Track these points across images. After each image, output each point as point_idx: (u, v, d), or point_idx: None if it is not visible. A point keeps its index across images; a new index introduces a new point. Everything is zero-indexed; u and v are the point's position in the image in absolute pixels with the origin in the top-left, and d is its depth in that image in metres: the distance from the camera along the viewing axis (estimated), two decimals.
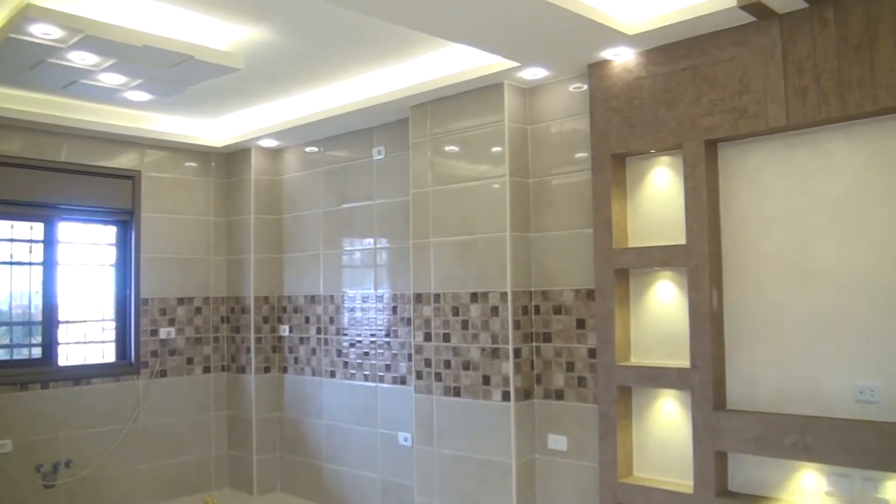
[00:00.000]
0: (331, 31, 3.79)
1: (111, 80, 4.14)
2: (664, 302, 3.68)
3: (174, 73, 4.01)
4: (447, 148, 4.39)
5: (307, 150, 5.73)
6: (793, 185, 3.31)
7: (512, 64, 3.83)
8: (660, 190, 3.71)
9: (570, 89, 4.04)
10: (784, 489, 3.30)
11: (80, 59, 3.77)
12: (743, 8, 3.12)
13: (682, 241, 3.50)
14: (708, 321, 3.38)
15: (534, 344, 4.15)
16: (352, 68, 4.44)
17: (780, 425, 3.19)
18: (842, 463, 3.05)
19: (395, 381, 5.00)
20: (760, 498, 3.33)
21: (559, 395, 4.05)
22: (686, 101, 3.47)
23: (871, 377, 3.08)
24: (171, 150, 5.85)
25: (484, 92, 4.18)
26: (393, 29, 3.60)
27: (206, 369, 6.03)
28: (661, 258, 3.56)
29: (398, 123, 4.92)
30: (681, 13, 3.26)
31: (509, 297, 4.04)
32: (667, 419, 3.67)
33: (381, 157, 5.13)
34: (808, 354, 3.24)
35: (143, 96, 4.56)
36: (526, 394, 4.11)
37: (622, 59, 3.68)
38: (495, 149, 4.14)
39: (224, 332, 6.10)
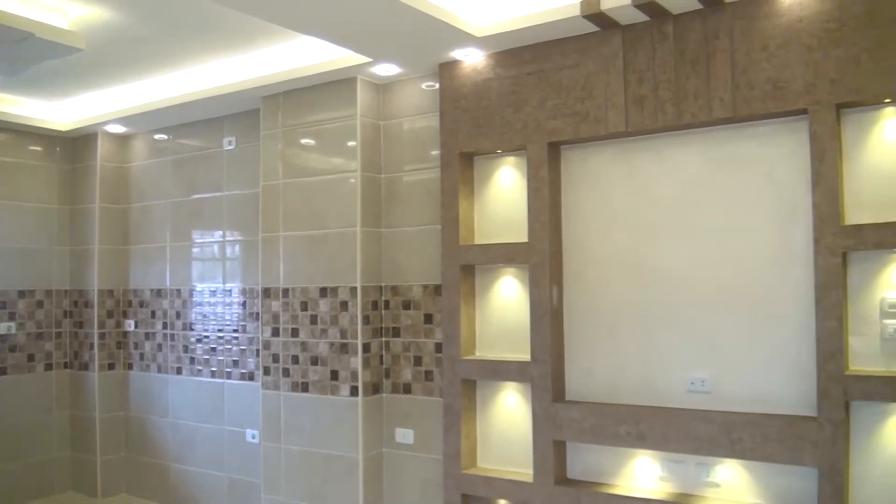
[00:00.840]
0: (178, 15, 3.55)
1: None
2: (508, 297, 3.69)
3: (14, 50, 3.63)
4: (299, 141, 4.22)
5: (156, 137, 5.37)
6: (630, 188, 3.39)
7: (364, 59, 3.71)
8: (505, 189, 3.72)
9: (423, 87, 3.97)
10: (620, 475, 3.39)
11: None
12: (586, 17, 3.15)
13: (524, 238, 3.52)
14: (548, 316, 3.41)
15: (383, 339, 4.07)
16: (201, 55, 4.18)
17: (616, 415, 3.26)
18: (674, 449, 3.15)
19: (242, 377, 4.77)
20: (598, 484, 3.40)
21: (407, 389, 3.98)
22: (531, 104, 3.48)
23: (702, 369, 3.20)
24: (14, 132, 5.31)
25: (337, 86, 4.04)
26: (244, 17, 3.40)
27: (48, 366, 5.52)
28: (504, 255, 3.56)
29: (250, 113, 4.68)
30: (527, 19, 3.26)
31: (359, 292, 3.94)
32: (509, 411, 3.68)
33: (231, 147, 4.88)
34: (643, 348, 3.33)
35: None
36: (374, 388, 4.01)
37: (472, 60, 3.66)
38: (347, 143, 4.01)
39: (67, 326, 5.62)
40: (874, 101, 2.86)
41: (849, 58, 2.84)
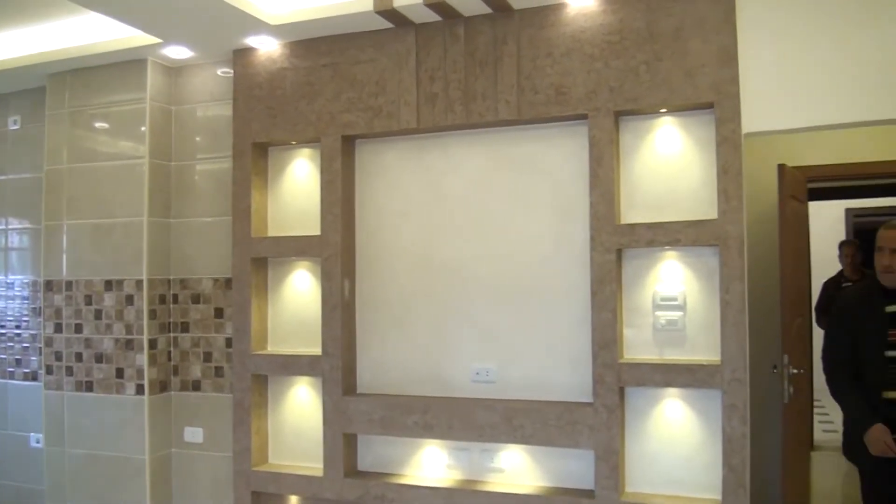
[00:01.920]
0: None
1: None
2: (301, 291, 3.57)
3: None
4: (86, 123, 3.86)
5: None
6: (422, 183, 3.36)
7: (154, 40, 3.44)
8: (300, 181, 3.59)
9: (218, 73, 3.74)
10: (409, 465, 3.36)
11: None
12: (379, 13, 3.09)
13: (317, 231, 3.42)
14: (339, 309, 3.33)
15: (171, 334, 3.81)
16: None
17: (404, 406, 3.23)
18: (460, 438, 3.17)
19: (26, 377, 4.29)
20: (387, 475, 3.36)
21: (196, 387, 3.75)
22: (326, 97, 3.39)
23: (487, 359, 3.24)
24: None
25: (127, 66, 3.73)
26: None
27: None
28: (297, 248, 3.44)
29: (37, 91, 4.20)
30: (322, 10, 3.15)
31: (145, 285, 3.66)
32: (301, 405, 3.57)
33: (16, 127, 4.37)
34: (432, 340, 3.32)
35: None
36: (162, 386, 3.75)
37: (266, 48, 3.49)
38: (136, 128, 3.71)
39: None
40: (650, 110, 3.00)
41: (628, 69, 2.96)
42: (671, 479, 2.99)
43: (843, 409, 3.14)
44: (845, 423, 3.31)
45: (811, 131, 3.15)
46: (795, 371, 3.69)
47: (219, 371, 3.70)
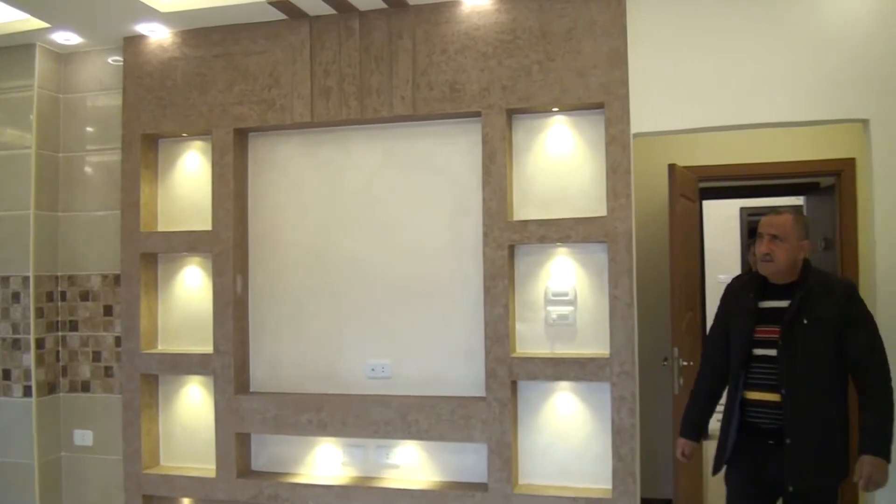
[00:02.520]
0: None
1: None
2: (192, 288, 3.42)
3: None
4: None
5: None
6: (317, 178, 3.27)
7: (42, 24, 3.23)
8: (191, 174, 3.44)
9: (109, 61, 3.54)
10: (304, 464, 3.27)
11: None
12: (272, 4, 2.99)
13: (209, 226, 3.28)
14: (231, 306, 3.21)
15: (59, 333, 3.59)
16: None
17: (298, 404, 3.14)
18: (354, 435, 3.10)
19: None
20: (281, 474, 3.26)
21: (86, 387, 3.55)
22: (218, 88, 3.26)
23: (383, 355, 3.17)
24: None
25: (14, 51, 3.49)
26: None
27: None
28: (188, 243, 3.30)
29: None
30: None
31: (32, 282, 3.44)
32: (193, 406, 3.42)
33: None
34: (328, 336, 3.23)
35: None
36: (50, 387, 3.53)
37: (158, 36, 3.33)
38: (23, 116, 3.49)
39: None
40: (542, 109, 2.99)
41: (521, 67, 2.94)
42: (563, 470, 2.99)
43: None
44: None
45: (704, 132, 3.20)
46: (685, 363, 3.74)
47: (108, 371, 3.51)
